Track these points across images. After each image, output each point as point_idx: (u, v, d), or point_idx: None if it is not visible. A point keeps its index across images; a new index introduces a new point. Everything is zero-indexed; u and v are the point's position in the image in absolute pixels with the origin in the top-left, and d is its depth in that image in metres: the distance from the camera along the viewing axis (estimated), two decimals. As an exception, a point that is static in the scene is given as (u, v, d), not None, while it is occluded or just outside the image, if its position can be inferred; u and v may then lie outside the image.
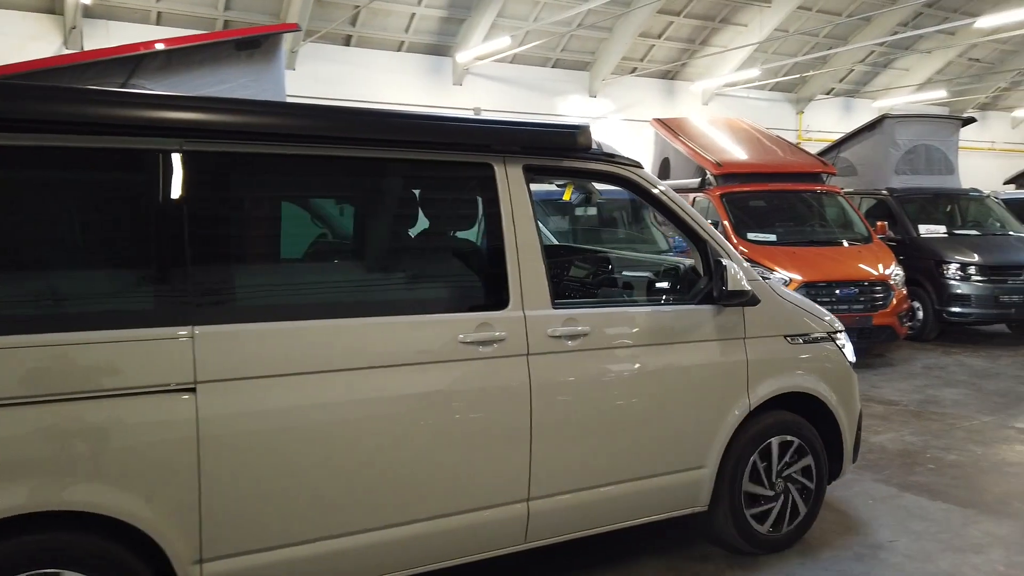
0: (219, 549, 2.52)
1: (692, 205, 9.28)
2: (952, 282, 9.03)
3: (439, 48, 15.83)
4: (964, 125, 12.13)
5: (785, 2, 16.48)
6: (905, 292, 8.28)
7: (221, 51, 6.16)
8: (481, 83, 16.08)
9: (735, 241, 8.18)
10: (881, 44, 19.03)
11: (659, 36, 17.21)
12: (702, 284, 3.49)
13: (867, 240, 8.75)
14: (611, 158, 3.36)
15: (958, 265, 9.07)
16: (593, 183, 4.21)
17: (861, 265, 8.12)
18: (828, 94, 21.33)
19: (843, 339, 3.91)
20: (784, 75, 19.64)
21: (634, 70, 17.97)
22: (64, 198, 2.56)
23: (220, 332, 2.51)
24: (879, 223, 9.29)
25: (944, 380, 7.37)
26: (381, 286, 3.08)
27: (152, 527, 2.40)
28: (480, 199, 3.12)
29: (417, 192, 3.28)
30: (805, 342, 3.74)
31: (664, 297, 3.66)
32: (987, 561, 3.60)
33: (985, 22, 14.30)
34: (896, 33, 18.07)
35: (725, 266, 3.36)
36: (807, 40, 18.57)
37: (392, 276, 3.15)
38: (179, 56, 6.06)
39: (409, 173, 3.16)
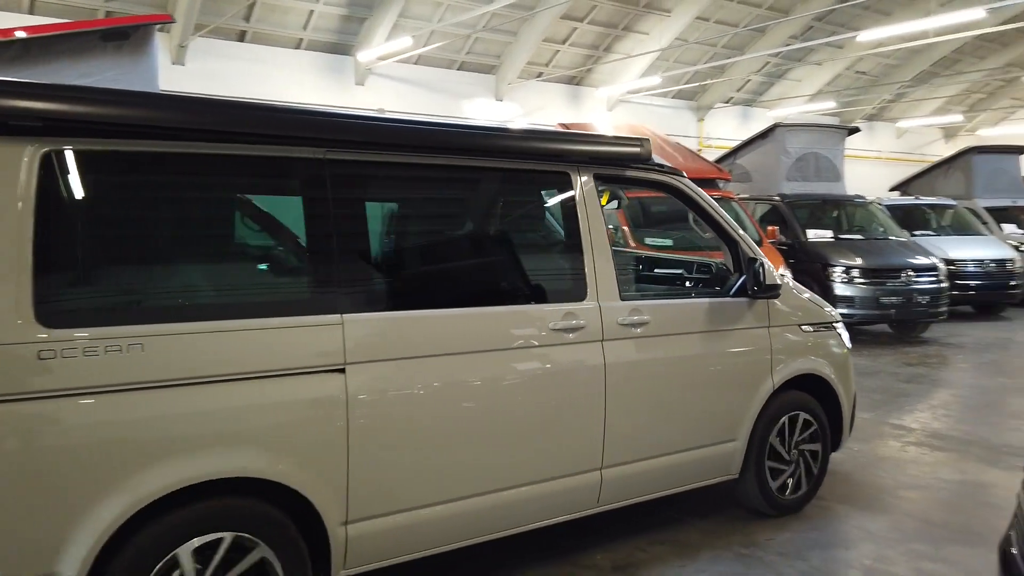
0: (362, 511, 2.84)
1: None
2: (837, 284, 9.41)
3: (340, 47, 15.43)
4: (850, 134, 12.73)
5: (684, 12, 16.92)
6: (793, 294, 8.54)
7: (86, 42, 5.74)
8: (385, 83, 15.76)
9: (633, 245, 8.26)
10: (775, 55, 19.81)
11: (563, 41, 17.34)
12: (734, 279, 3.96)
13: (758, 244, 9.00)
14: (662, 168, 3.81)
15: (843, 268, 9.45)
16: (623, 189, 4.74)
17: (752, 268, 8.31)
18: (727, 103, 22.07)
19: (841, 327, 4.41)
20: (685, 83, 20.17)
21: (540, 75, 18.06)
22: (241, 201, 2.99)
23: (364, 319, 2.83)
24: (771, 227, 9.58)
25: (828, 378, 7.62)
26: (488, 280, 3.48)
27: (312, 492, 2.70)
28: (561, 204, 3.53)
29: (515, 198, 3.79)
30: (814, 330, 4.24)
31: (704, 291, 4.15)
32: (856, 556, 3.68)
33: (867, 36, 15.06)
34: (788, 45, 18.85)
35: (762, 263, 3.87)
36: (706, 50, 19.14)
37: (497, 271, 3.54)
38: (39, 45, 5.60)
39: (509, 181, 3.56)
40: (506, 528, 3.27)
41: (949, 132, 28.15)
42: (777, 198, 10.67)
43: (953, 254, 11.64)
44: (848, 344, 4.42)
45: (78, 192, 2.49)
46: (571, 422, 3.36)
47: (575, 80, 18.57)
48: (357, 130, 2.91)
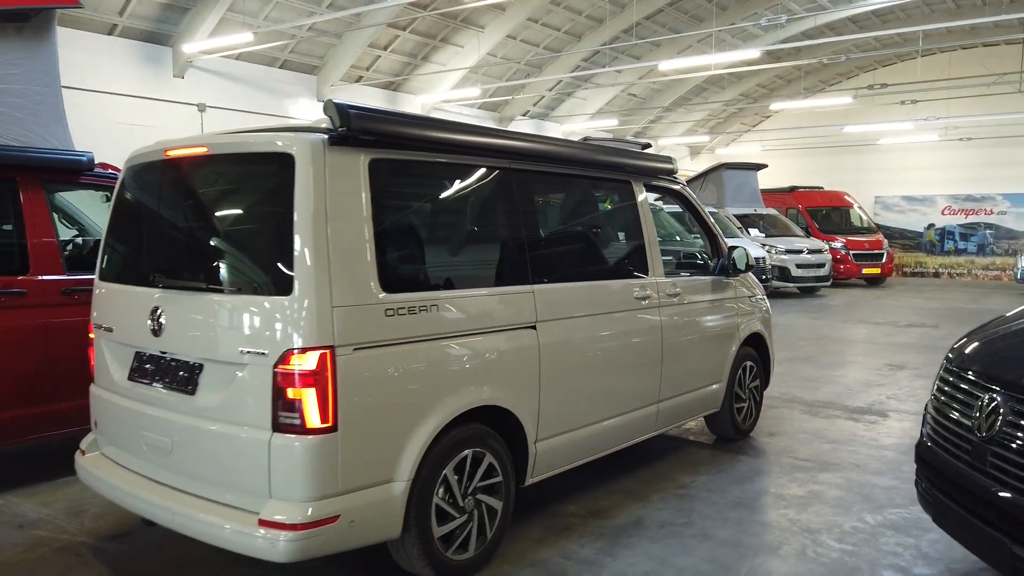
0: (545, 432, 3.83)
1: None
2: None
3: (158, 36, 14.51)
4: (643, 150, 14.66)
5: (496, 29, 18.15)
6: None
7: (-14, 23, 5.43)
8: (205, 78, 15.09)
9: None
10: (568, 75, 21.81)
11: (385, 48, 17.75)
12: (715, 262, 5.41)
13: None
14: (677, 180, 5.19)
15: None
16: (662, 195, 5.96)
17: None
18: (525, 115, 23.77)
19: (765, 297, 5.97)
20: (492, 96, 21.48)
21: (360, 79, 18.28)
22: (480, 199, 3.88)
23: (545, 289, 3.84)
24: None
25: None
26: (603, 261, 4.67)
27: (522, 417, 3.65)
28: (630, 205, 4.73)
29: (609, 200, 4.95)
30: (756, 299, 5.79)
31: (698, 271, 5.46)
32: (762, 486, 4.83)
33: (665, 65, 17.33)
34: (578, 68, 20.91)
35: (742, 250, 5.37)
36: (512, 66, 20.58)
37: (606, 255, 4.74)
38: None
39: (607, 189, 4.78)
40: (613, 447, 4.45)
41: (695, 150, 32.51)
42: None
43: (724, 255, 13.94)
44: (769, 309, 5.98)
45: (392, 189, 3.26)
46: (646, 366, 4.61)
47: (393, 86, 19.02)
48: (528, 144, 3.91)
